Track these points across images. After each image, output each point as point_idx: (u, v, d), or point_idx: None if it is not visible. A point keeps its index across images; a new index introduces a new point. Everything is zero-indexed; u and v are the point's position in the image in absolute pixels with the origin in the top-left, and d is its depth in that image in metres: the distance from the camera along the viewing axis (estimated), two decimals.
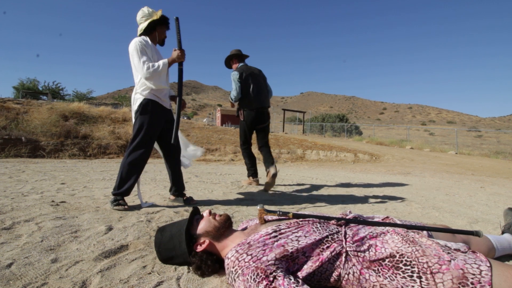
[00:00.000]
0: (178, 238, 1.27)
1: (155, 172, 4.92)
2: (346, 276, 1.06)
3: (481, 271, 0.94)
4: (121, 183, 2.31)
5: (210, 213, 1.35)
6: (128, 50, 2.34)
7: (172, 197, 2.66)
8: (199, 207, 2.45)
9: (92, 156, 7.33)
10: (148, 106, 2.36)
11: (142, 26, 2.43)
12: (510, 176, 6.52)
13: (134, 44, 2.31)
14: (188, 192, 3.15)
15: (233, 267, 1.05)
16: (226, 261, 1.12)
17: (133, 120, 2.41)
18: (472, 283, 0.92)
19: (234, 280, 1.02)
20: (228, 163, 7.31)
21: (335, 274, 1.07)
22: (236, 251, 1.11)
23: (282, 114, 26.18)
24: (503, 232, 1.60)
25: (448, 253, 1.00)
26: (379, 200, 3.15)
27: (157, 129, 2.44)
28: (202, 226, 1.29)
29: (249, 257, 1.05)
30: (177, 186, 2.64)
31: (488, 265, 0.96)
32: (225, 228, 1.29)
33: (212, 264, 1.23)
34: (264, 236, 1.14)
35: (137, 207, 2.35)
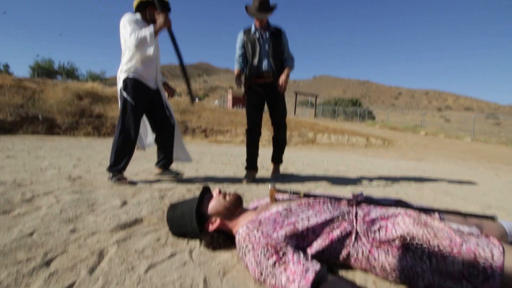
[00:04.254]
0: (189, 217, 1.28)
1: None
2: (355, 254, 1.07)
3: (493, 255, 0.93)
4: (117, 159, 2.36)
5: (220, 192, 1.34)
6: (119, 25, 2.33)
7: (158, 170, 2.69)
8: (210, 185, 2.50)
9: (106, 134, 7.47)
10: (130, 83, 2.36)
11: (134, 3, 2.43)
12: None
13: (124, 18, 2.33)
14: (199, 172, 3.19)
15: (244, 243, 1.07)
16: (237, 237, 1.14)
17: (119, 98, 2.44)
18: (483, 267, 0.91)
19: (245, 254, 1.05)
20: (239, 144, 7.34)
21: (344, 252, 1.08)
22: (247, 227, 1.12)
23: (294, 98, 25.86)
24: None
25: (460, 236, 0.99)
26: (390, 184, 3.12)
27: (140, 106, 2.44)
28: (212, 206, 1.29)
29: (260, 233, 1.07)
30: (166, 160, 2.66)
31: (501, 249, 0.94)
32: (235, 207, 1.29)
33: (223, 241, 1.25)
34: (274, 214, 1.16)
35: (148, 184, 2.41)
